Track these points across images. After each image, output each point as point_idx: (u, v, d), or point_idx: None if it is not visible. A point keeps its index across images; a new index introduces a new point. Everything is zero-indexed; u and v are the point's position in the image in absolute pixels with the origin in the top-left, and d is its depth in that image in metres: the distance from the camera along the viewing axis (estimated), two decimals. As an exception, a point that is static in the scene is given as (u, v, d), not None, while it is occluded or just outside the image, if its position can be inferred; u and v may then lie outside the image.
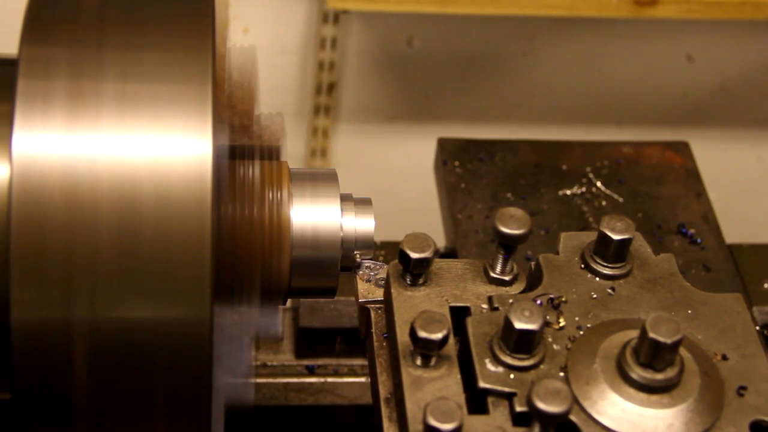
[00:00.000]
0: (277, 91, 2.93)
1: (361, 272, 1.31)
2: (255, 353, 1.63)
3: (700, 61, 3.00)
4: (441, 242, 1.72)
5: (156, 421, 1.14)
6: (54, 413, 1.12)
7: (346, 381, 1.66)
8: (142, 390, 1.12)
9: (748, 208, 3.19)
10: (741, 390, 1.17)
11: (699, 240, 1.68)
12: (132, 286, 1.08)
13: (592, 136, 1.95)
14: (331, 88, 2.92)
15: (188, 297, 1.09)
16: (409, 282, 1.25)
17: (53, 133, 1.08)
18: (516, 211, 1.25)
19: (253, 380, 1.50)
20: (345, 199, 1.31)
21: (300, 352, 1.66)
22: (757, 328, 1.59)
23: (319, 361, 1.66)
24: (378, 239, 1.32)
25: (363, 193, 1.34)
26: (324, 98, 2.94)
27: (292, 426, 1.66)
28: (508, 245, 1.25)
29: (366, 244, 1.31)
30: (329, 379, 1.66)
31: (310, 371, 1.66)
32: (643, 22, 2.90)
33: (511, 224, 1.24)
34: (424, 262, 1.24)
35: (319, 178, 1.32)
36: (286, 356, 1.66)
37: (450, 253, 1.68)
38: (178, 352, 1.10)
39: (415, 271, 1.25)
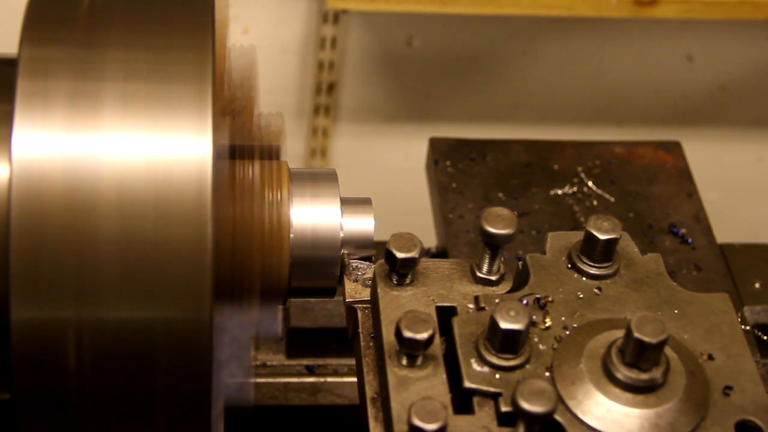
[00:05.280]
0: (277, 91, 2.93)
1: (348, 272, 1.31)
2: (254, 353, 1.63)
3: (700, 61, 3.00)
4: (433, 242, 1.72)
5: (156, 421, 1.13)
6: (54, 413, 1.12)
7: (345, 381, 1.66)
8: (142, 390, 1.12)
9: (748, 208, 3.19)
10: (727, 390, 1.17)
11: (690, 240, 1.68)
12: (132, 286, 1.08)
13: (592, 136, 1.95)
14: (331, 88, 2.92)
15: (188, 297, 1.09)
16: (395, 282, 1.25)
17: (53, 133, 1.08)
18: (502, 211, 1.25)
19: (253, 380, 1.50)
20: (345, 199, 1.31)
21: (291, 352, 1.66)
22: (748, 327, 1.59)
23: (316, 361, 1.66)
24: (378, 239, 1.32)
25: (363, 192, 1.34)
26: (324, 98, 2.94)
27: (292, 426, 1.66)
28: (495, 245, 1.25)
29: (366, 244, 1.31)
30: (329, 379, 1.66)
31: (310, 371, 1.66)
32: (643, 22, 2.90)
33: (497, 224, 1.24)
34: (410, 262, 1.23)
35: (319, 178, 1.32)
36: (277, 356, 1.66)
37: (441, 253, 1.68)
38: (178, 352, 1.10)
39: (401, 271, 1.24)
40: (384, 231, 1.34)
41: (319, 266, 1.30)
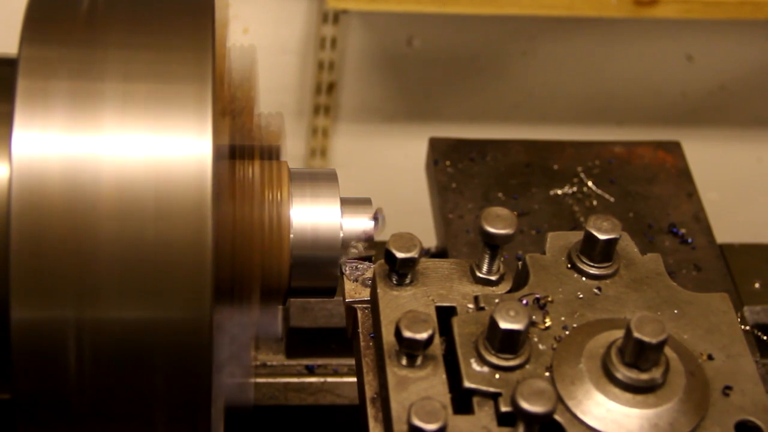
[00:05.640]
0: (277, 91, 2.93)
1: (348, 272, 1.31)
2: (254, 353, 1.64)
3: (699, 61, 3.00)
4: (433, 242, 1.72)
5: (156, 421, 1.13)
6: (54, 413, 1.12)
7: (345, 381, 1.66)
8: (142, 390, 1.12)
9: (748, 208, 3.19)
10: (726, 390, 1.17)
11: (690, 240, 1.68)
12: (132, 286, 1.08)
13: (592, 136, 1.96)
14: (331, 87, 2.92)
15: (188, 297, 1.09)
16: (395, 282, 1.25)
17: (53, 133, 1.08)
18: (502, 211, 1.25)
19: (253, 380, 1.50)
20: (345, 199, 1.31)
21: (291, 352, 1.66)
22: (748, 327, 1.59)
23: (316, 361, 1.66)
24: (378, 239, 1.32)
25: (363, 192, 1.34)
26: (324, 98, 2.94)
27: (292, 426, 1.66)
28: (494, 245, 1.25)
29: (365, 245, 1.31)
30: (329, 379, 1.66)
31: (310, 371, 1.66)
32: (643, 22, 2.90)
33: (497, 224, 1.24)
34: (410, 262, 1.23)
35: (319, 178, 1.32)
36: (277, 356, 1.66)
37: (441, 253, 1.68)
38: (178, 352, 1.10)
39: (401, 271, 1.24)
40: (384, 231, 1.34)
41: (319, 266, 1.30)
